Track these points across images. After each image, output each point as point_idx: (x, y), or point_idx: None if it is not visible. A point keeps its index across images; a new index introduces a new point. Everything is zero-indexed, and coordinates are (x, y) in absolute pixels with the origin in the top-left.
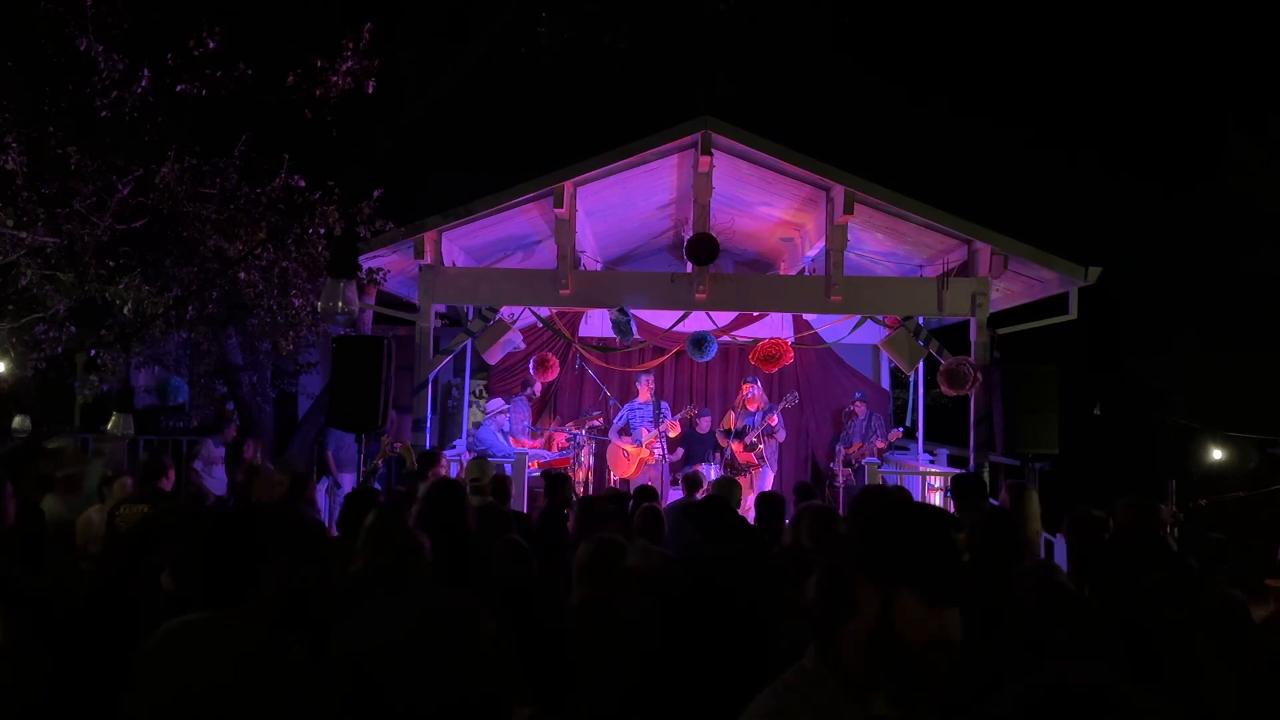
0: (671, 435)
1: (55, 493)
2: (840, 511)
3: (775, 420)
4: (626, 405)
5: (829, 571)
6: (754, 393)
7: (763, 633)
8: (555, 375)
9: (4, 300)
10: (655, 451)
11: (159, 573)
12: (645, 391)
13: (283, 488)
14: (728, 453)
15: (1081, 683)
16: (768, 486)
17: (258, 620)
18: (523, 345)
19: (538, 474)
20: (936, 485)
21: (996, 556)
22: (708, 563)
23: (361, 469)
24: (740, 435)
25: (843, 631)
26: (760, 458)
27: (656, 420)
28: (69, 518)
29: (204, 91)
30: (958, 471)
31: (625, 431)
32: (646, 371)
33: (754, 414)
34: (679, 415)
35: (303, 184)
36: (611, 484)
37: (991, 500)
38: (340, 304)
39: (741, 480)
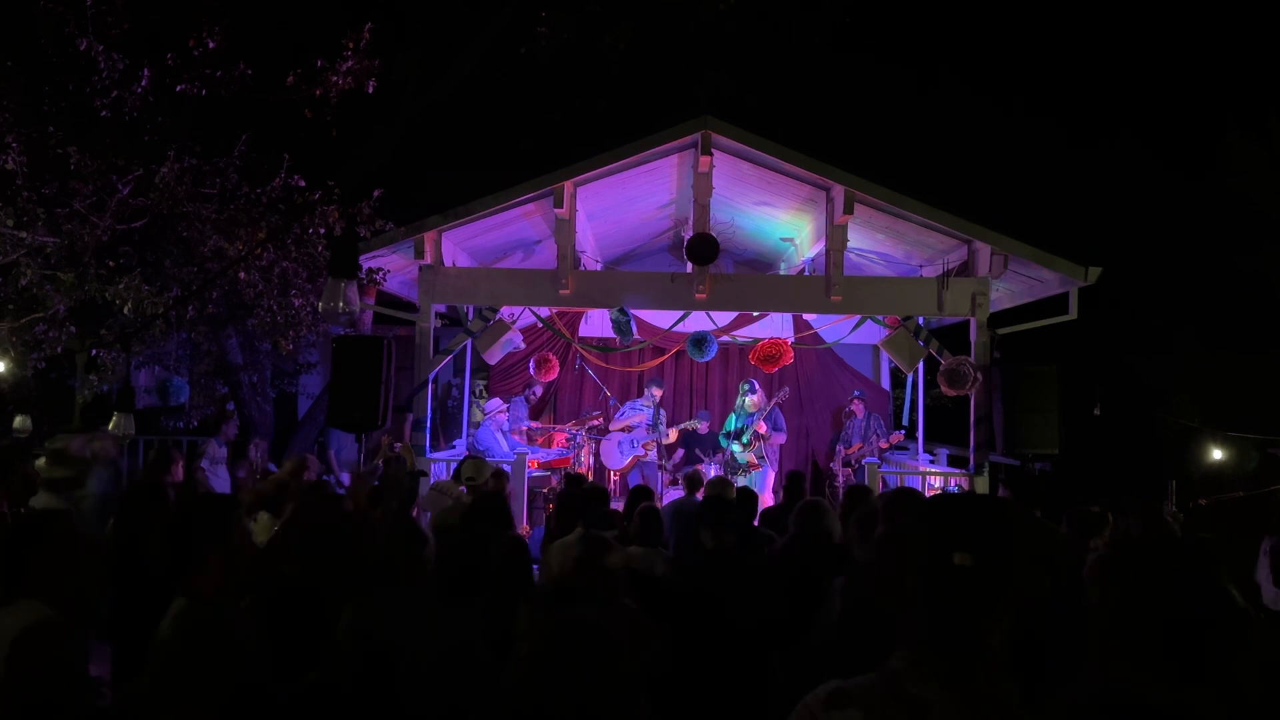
0: (667, 443)
1: (50, 491)
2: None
3: (764, 428)
4: (629, 404)
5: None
6: (752, 398)
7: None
8: (555, 375)
9: (4, 300)
10: (649, 453)
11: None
12: (652, 397)
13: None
14: (727, 453)
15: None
16: (768, 487)
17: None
18: (523, 345)
19: (538, 473)
20: (936, 485)
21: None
22: (728, 569)
23: (362, 469)
24: (739, 435)
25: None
26: (760, 457)
27: (655, 426)
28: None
29: (204, 91)
30: (958, 472)
31: (627, 429)
32: (658, 381)
33: (752, 415)
34: (681, 426)
35: (303, 184)
36: (612, 479)
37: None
38: (341, 304)
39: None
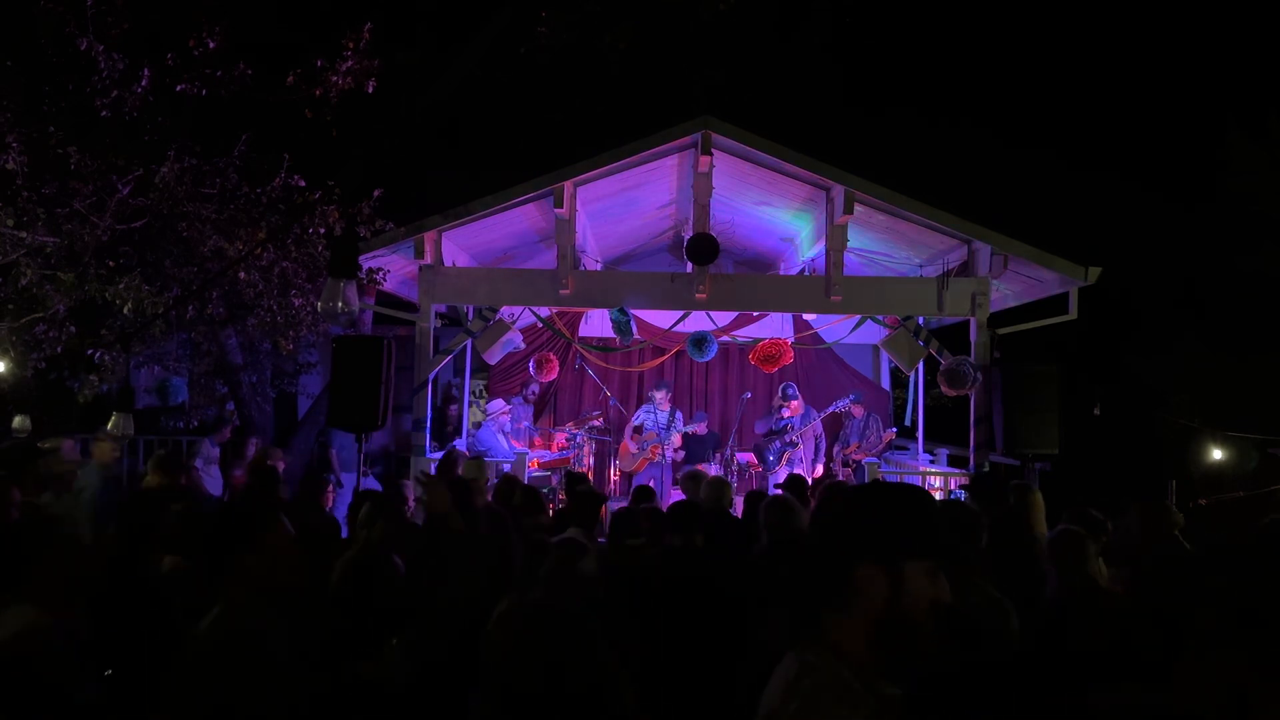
0: (676, 446)
1: (50, 490)
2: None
3: (797, 438)
4: (643, 408)
5: (820, 562)
6: (794, 403)
7: (740, 625)
8: (555, 375)
9: (4, 300)
10: (656, 455)
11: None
12: (665, 402)
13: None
14: (727, 454)
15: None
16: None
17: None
18: (523, 345)
19: (538, 474)
20: (936, 485)
21: None
22: (681, 559)
23: (361, 469)
24: (781, 434)
25: (839, 620)
26: (762, 460)
27: (669, 429)
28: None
29: (204, 91)
30: (958, 472)
31: (638, 430)
32: (663, 386)
33: (790, 419)
34: (687, 428)
35: (303, 184)
36: (612, 479)
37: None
38: (341, 304)
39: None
